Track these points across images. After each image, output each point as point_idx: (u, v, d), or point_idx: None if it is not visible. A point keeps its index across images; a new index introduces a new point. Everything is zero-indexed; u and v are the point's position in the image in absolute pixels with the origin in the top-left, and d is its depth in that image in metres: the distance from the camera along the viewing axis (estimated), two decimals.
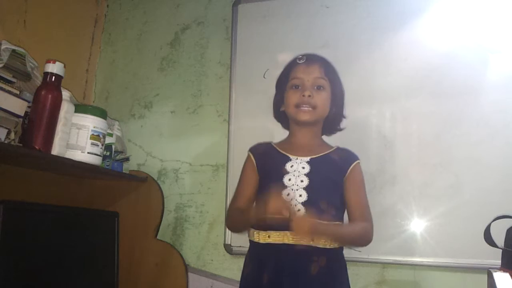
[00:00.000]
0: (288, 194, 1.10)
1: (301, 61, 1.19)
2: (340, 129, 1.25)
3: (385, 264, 1.39)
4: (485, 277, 0.98)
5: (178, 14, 1.86)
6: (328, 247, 1.08)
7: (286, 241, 1.07)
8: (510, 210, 1.13)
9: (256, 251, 1.13)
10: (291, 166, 1.13)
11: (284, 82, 1.21)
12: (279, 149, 1.19)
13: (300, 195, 1.09)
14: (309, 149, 1.17)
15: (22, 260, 1.17)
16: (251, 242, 1.15)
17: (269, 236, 1.09)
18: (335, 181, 1.15)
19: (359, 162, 1.19)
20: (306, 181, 1.11)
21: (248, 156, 1.23)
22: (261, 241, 1.10)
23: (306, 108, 1.14)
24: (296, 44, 1.59)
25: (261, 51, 1.63)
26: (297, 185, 1.10)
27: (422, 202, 1.37)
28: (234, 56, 1.67)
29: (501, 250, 1.04)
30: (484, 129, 1.36)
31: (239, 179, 1.24)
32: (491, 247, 1.06)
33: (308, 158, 1.14)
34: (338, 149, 1.20)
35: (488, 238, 1.08)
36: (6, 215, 1.13)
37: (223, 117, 1.68)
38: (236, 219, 1.19)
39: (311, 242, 1.07)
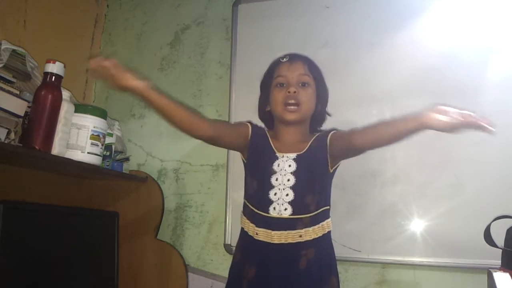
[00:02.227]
0: (275, 194, 1.10)
1: (284, 60, 1.19)
2: (321, 130, 1.22)
3: (385, 264, 1.39)
4: (485, 277, 0.98)
5: (178, 14, 1.86)
6: (315, 236, 1.08)
7: (274, 241, 1.08)
8: (510, 210, 1.14)
9: (245, 241, 1.14)
10: (278, 165, 1.12)
11: (268, 81, 1.21)
12: (270, 140, 1.17)
13: (287, 195, 1.10)
14: (295, 146, 1.15)
15: (22, 260, 1.17)
16: (242, 229, 1.16)
17: (257, 233, 1.10)
18: (322, 166, 1.13)
19: (335, 132, 1.16)
20: (292, 180, 1.10)
21: (246, 125, 1.20)
22: (250, 233, 1.12)
23: (292, 107, 1.13)
24: (296, 44, 1.58)
25: (261, 51, 1.63)
26: (284, 184, 1.10)
27: (422, 202, 1.37)
28: (234, 56, 1.67)
29: (501, 250, 1.04)
30: None
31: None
32: (491, 247, 1.07)
33: (294, 155, 1.13)
34: (317, 134, 1.18)
35: (488, 238, 1.08)
36: (6, 215, 1.13)
37: (223, 117, 1.68)
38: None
39: (299, 238, 1.07)
